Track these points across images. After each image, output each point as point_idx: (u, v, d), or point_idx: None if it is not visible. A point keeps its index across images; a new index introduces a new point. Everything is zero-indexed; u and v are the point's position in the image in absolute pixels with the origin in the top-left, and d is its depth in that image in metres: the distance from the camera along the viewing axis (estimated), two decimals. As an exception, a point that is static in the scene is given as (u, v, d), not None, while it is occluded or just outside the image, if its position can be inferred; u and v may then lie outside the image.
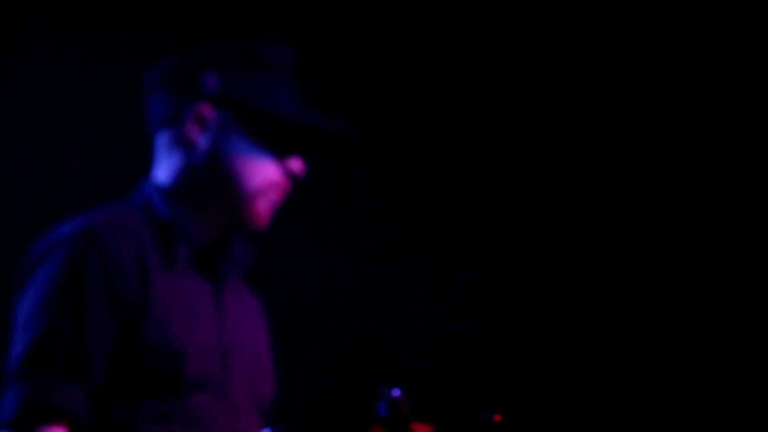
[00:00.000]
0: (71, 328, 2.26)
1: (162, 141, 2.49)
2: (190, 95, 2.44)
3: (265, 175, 2.43)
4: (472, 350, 4.30)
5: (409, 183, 4.34)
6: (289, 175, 2.45)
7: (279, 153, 2.44)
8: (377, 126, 4.29)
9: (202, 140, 2.42)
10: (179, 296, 2.36)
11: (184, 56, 2.47)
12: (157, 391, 2.30)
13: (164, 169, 2.47)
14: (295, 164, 2.45)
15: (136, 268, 2.32)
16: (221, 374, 2.36)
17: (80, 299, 2.27)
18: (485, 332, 4.29)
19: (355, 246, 4.35)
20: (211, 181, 2.43)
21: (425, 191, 4.36)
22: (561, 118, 4.37)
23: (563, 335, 4.35)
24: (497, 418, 2.00)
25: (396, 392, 1.99)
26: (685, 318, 4.24)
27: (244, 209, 2.43)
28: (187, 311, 2.36)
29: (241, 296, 2.50)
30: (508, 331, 4.32)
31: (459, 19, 4.32)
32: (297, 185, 2.52)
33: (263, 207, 2.44)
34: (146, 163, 2.59)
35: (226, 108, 2.43)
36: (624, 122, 4.32)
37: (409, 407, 2.02)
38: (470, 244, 4.36)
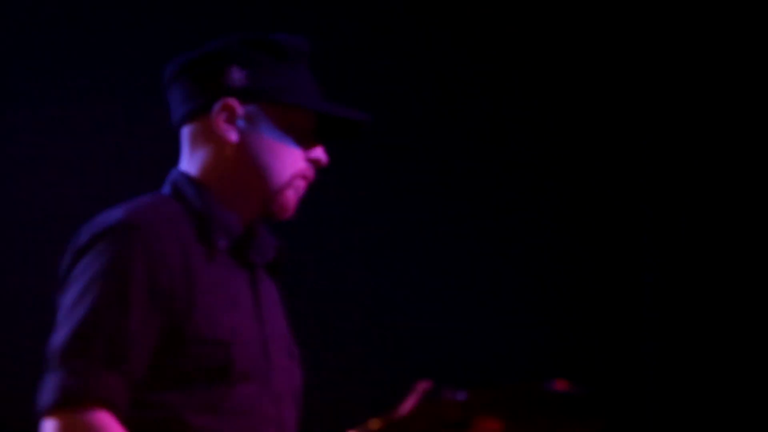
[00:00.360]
0: (113, 317, 2.26)
1: (189, 134, 2.52)
2: (216, 90, 2.47)
3: (293, 165, 2.47)
4: (528, 341, 4.29)
5: (454, 173, 4.39)
6: (315, 163, 2.49)
7: (304, 143, 2.48)
8: (433, 118, 4.35)
9: (230, 134, 2.46)
10: (221, 286, 2.38)
11: (206, 50, 2.50)
12: (206, 381, 2.31)
13: (193, 162, 2.50)
14: (320, 153, 2.50)
15: (180, 259, 2.34)
16: (263, 363, 2.39)
17: (124, 289, 2.28)
18: (539, 322, 4.33)
19: (405, 234, 4.35)
20: (241, 174, 2.46)
21: (478, 182, 4.40)
22: (618, 110, 4.41)
23: (620, 326, 4.34)
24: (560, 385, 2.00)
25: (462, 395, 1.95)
26: (739, 306, 4.27)
27: (274, 200, 2.47)
28: (230, 301, 2.38)
29: (269, 285, 2.54)
30: (564, 324, 4.34)
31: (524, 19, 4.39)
32: (325, 174, 2.57)
33: (291, 197, 2.48)
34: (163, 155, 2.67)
35: (253, 101, 2.46)
36: (678, 115, 4.36)
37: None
38: (528, 233, 4.39)
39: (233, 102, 2.45)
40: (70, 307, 2.28)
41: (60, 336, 2.27)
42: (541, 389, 2.01)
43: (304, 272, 4.09)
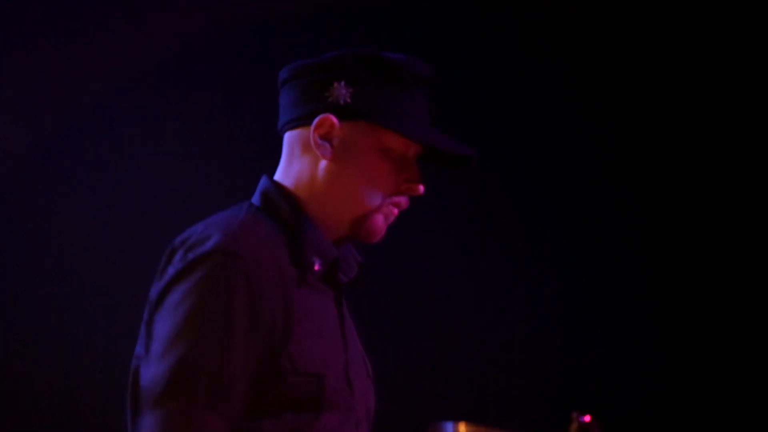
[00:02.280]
0: (216, 356, 2.17)
1: (289, 142, 2.45)
2: (320, 102, 2.40)
3: (385, 190, 2.39)
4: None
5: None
6: (409, 192, 2.41)
7: (401, 169, 2.40)
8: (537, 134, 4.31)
9: (324, 151, 2.38)
10: (313, 311, 2.31)
11: (319, 60, 2.43)
12: (296, 411, 2.24)
13: (289, 172, 2.43)
14: (416, 183, 2.41)
15: (279, 287, 2.25)
16: (347, 390, 2.32)
17: (226, 326, 2.19)
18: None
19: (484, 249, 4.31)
20: (331, 192, 2.39)
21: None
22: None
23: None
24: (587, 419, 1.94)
25: (587, 418, 1.89)
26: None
27: (361, 224, 2.39)
28: (320, 327, 2.31)
29: (344, 303, 2.46)
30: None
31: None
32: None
33: (379, 222, 2.40)
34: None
35: (353, 120, 2.38)
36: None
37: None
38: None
39: (332, 118, 2.37)
40: (169, 342, 2.19)
41: (158, 373, 2.18)
42: None
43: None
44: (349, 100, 2.37)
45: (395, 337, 4.14)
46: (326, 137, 2.37)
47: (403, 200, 2.41)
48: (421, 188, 2.40)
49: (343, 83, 2.37)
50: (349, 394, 2.32)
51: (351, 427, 2.32)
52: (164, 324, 2.21)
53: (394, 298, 4.20)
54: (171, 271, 2.25)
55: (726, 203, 4.35)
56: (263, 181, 2.43)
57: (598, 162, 4.40)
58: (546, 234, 4.37)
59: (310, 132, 2.38)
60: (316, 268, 2.32)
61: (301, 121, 2.40)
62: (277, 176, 2.44)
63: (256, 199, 2.42)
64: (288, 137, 2.44)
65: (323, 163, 2.38)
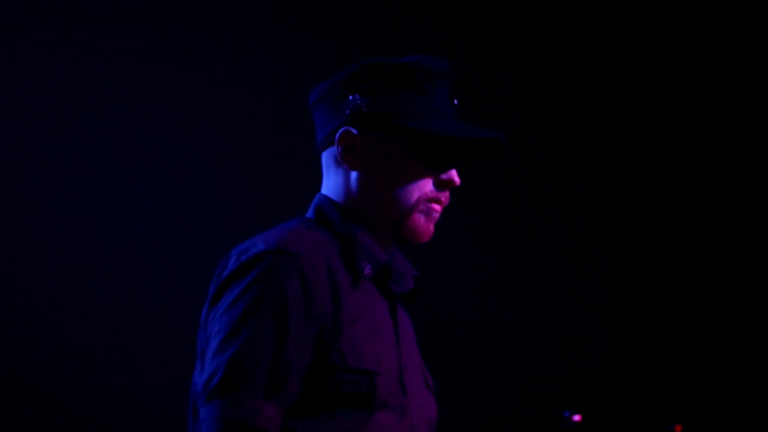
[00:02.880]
0: (272, 347, 2.23)
1: (324, 160, 2.53)
2: (340, 118, 2.47)
3: (418, 190, 2.44)
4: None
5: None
6: (445, 186, 2.46)
7: (431, 166, 2.46)
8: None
9: (351, 163, 2.45)
10: (366, 314, 2.36)
11: (337, 78, 2.50)
12: (348, 409, 2.28)
13: (329, 188, 2.50)
14: (450, 175, 2.47)
15: (329, 286, 2.31)
16: (400, 393, 2.36)
17: (281, 318, 2.25)
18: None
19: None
20: (367, 201, 2.46)
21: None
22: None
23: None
24: (678, 429, 1.96)
25: (576, 417, 1.93)
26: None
27: (403, 226, 2.44)
28: (373, 330, 2.36)
29: (403, 315, 2.51)
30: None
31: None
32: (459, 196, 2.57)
33: (420, 221, 2.45)
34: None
35: (372, 129, 2.45)
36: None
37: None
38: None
39: (351, 130, 2.43)
40: (226, 337, 2.25)
41: (217, 365, 2.23)
42: None
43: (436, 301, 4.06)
44: (364, 110, 2.44)
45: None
46: (350, 149, 2.44)
47: (441, 196, 2.45)
48: (456, 180, 2.45)
49: (357, 95, 2.44)
50: (404, 398, 2.36)
51: (405, 431, 2.36)
52: (220, 322, 2.28)
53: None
54: (225, 273, 2.32)
55: (720, 204, 4.38)
56: (317, 197, 2.51)
57: (589, 161, 4.42)
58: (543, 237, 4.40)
59: (337, 147, 2.45)
60: (367, 271, 2.38)
61: (329, 138, 2.48)
62: (325, 191, 2.51)
63: (310, 213, 2.49)
64: (323, 156, 2.52)
65: (354, 174, 2.45)
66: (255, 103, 4.23)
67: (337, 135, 2.45)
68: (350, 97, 2.45)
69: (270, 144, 4.24)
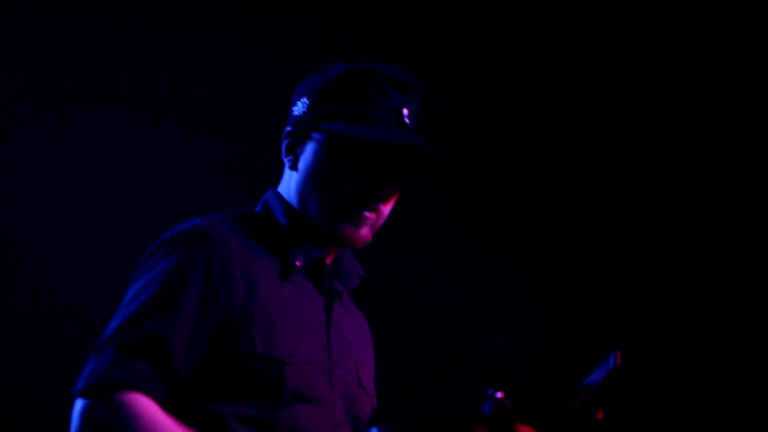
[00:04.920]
0: (160, 315, 2.28)
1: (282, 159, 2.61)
2: (289, 120, 2.55)
3: (346, 196, 2.46)
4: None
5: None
6: (374, 193, 2.46)
7: (361, 173, 2.47)
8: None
9: (291, 162, 2.52)
10: (290, 306, 2.38)
11: (302, 82, 2.58)
12: (258, 396, 2.32)
13: (281, 185, 2.58)
14: (378, 184, 2.47)
15: (245, 273, 2.35)
16: (325, 388, 2.39)
17: (178, 291, 2.30)
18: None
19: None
20: (300, 200, 2.50)
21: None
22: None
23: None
24: (600, 415, 1.99)
25: (499, 394, 1.97)
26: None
27: (333, 230, 2.47)
28: (296, 322, 2.38)
29: (350, 313, 2.54)
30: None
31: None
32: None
33: (347, 226, 2.47)
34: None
35: (307, 131, 2.50)
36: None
37: (513, 407, 2.00)
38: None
39: (292, 131, 2.50)
40: (127, 302, 2.32)
41: (108, 325, 2.31)
42: (582, 418, 2.01)
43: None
44: (305, 110, 2.48)
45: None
46: (289, 150, 2.52)
47: (371, 203, 2.46)
48: (383, 189, 2.44)
49: (304, 98, 2.50)
50: (329, 392, 2.39)
51: (328, 426, 2.38)
52: (130, 289, 2.35)
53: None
54: (151, 246, 2.40)
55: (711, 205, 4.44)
56: (267, 193, 2.58)
57: (573, 162, 4.52)
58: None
59: (281, 147, 2.55)
60: (298, 263, 2.42)
61: (282, 140, 2.57)
62: (279, 189, 2.60)
63: (258, 207, 2.57)
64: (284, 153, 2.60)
65: (292, 174, 2.52)
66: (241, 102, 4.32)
67: (282, 135, 2.54)
68: (300, 100, 2.51)
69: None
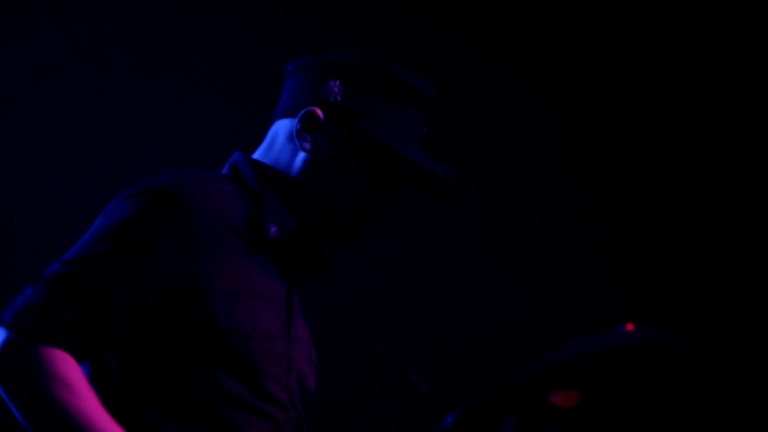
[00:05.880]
0: (103, 264, 2.19)
1: (276, 128, 2.50)
2: (311, 96, 2.45)
3: (354, 195, 2.43)
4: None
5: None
6: (381, 202, 2.44)
7: (377, 180, 2.43)
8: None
9: (305, 142, 2.43)
10: (254, 278, 2.32)
11: (325, 58, 2.48)
12: (222, 369, 2.25)
13: (269, 155, 2.48)
14: (389, 194, 2.45)
15: (211, 241, 2.27)
16: (284, 362, 2.34)
17: (127, 247, 2.20)
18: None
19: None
20: (304, 186, 2.43)
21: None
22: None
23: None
24: (629, 326, 1.89)
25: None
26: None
27: (328, 223, 2.43)
28: (258, 293, 2.32)
29: (301, 288, 2.49)
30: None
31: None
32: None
33: (345, 225, 2.44)
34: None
35: (338, 120, 2.43)
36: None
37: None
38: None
39: (318, 112, 2.42)
40: (80, 242, 2.24)
41: (53, 263, 2.22)
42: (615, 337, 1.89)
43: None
44: (339, 99, 2.41)
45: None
46: (309, 130, 2.42)
47: (371, 209, 2.43)
48: (393, 201, 2.43)
49: (338, 83, 2.42)
50: (286, 367, 2.34)
51: (285, 400, 2.33)
52: (89, 229, 2.26)
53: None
54: (121, 192, 2.30)
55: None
56: (235, 155, 2.48)
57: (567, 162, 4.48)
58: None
59: (298, 123, 2.43)
60: (272, 232, 2.36)
61: (292, 110, 2.46)
62: (256, 154, 2.49)
63: (225, 169, 2.47)
64: (276, 124, 2.49)
65: (302, 155, 2.43)
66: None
67: (303, 111, 2.43)
68: (330, 82, 2.42)
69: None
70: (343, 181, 2.41)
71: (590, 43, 4.46)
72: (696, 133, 4.43)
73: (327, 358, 2.64)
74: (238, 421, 2.25)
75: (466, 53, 4.43)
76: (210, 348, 2.23)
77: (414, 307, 4.31)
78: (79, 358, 2.15)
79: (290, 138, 2.45)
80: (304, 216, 2.41)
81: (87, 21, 4.17)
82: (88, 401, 2.11)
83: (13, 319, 2.15)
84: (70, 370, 2.12)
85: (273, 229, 2.37)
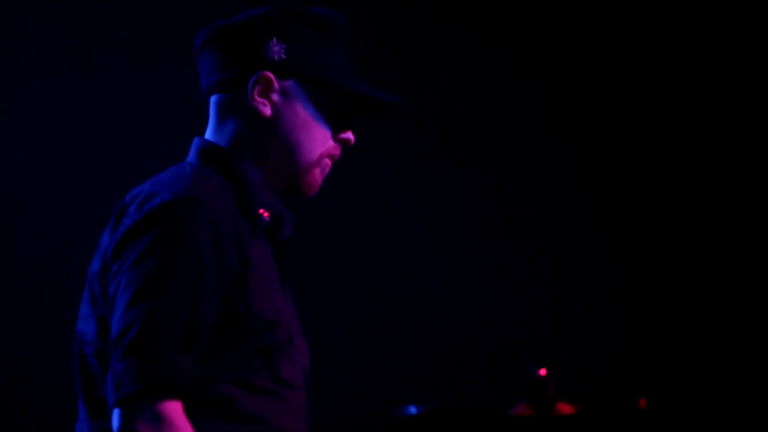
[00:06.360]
0: (189, 301, 2.17)
1: (219, 104, 2.43)
2: (253, 61, 2.38)
3: (323, 143, 2.41)
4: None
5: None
6: (343, 143, 2.43)
7: (335, 122, 2.42)
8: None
9: (264, 108, 2.37)
10: (262, 264, 2.30)
11: (244, 18, 2.42)
12: (252, 360, 2.25)
13: (222, 133, 2.42)
14: (350, 134, 2.44)
15: (235, 236, 2.26)
16: (290, 344, 2.33)
17: (196, 271, 2.18)
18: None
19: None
20: (271, 149, 2.39)
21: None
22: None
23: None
24: (642, 403, 1.96)
25: (542, 372, 1.91)
26: None
27: (301, 178, 2.40)
28: (269, 280, 2.32)
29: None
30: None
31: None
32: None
33: (317, 175, 2.42)
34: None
35: (290, 77, 2.38)
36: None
37: (554, 388, 1.93)
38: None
39: (270, 75, 2.36)
40: (139, 290, 2.17)
41: (133, 320, 2.16)
42: (624, 404, 1.98)
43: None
44: (283, 56, 2.38)
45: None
46: (264, 95, 2.36)
47: (337, 151, 2.42)
48: (352, 139, 2.43)
49: (274, 40, 2.38)
50: (292, 348, 2.33)
51: (299, 379, 2.33)
52: (130, 273, 2.19)
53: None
54: (127, 223, 2.23)
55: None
56: (198, 142, 2.42)
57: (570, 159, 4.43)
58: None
59: (247, 91, 2.37)
60: (266, 218, 2.33)
61: (234, 82, 2.39)
62: (212, 138, 2.42)
63: (192, 159, 2.40)
64: (217, 99, 2.42)
65: (262, 122, 2.38)
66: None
67: (253, 78, 2.36)
68: (268, 42, 2.37)
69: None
70: (309, 133, 2.40)
71: (590, 43, 4.41)
72: (695, 134, 4.40)
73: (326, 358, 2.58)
74: (267, 411, 2.26)
75: (466, 50, 4.38)
76: (242, 340, 2.23)
77: (414, 306, 4.27)
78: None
79: (240, 109, 2.39)
80: (277, 183, 2.39)
81: (85, 19, 4.13)
82: None
83: (137, 392, 2.12)
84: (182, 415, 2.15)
85: (265, 216, 2.35)
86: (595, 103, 4.41)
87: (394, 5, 4.34)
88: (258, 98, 2.36)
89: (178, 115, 3.94)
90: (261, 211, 2.34)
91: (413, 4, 4.35)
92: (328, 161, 2.42)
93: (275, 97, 2.37)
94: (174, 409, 2.13)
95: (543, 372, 1.94)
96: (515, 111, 4.40)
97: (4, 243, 4.08)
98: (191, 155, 2.40)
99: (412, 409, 1.91)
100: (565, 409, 1.95)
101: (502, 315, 4.28)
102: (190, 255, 2.18)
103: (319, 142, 2.39)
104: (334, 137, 2.41)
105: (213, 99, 2.43)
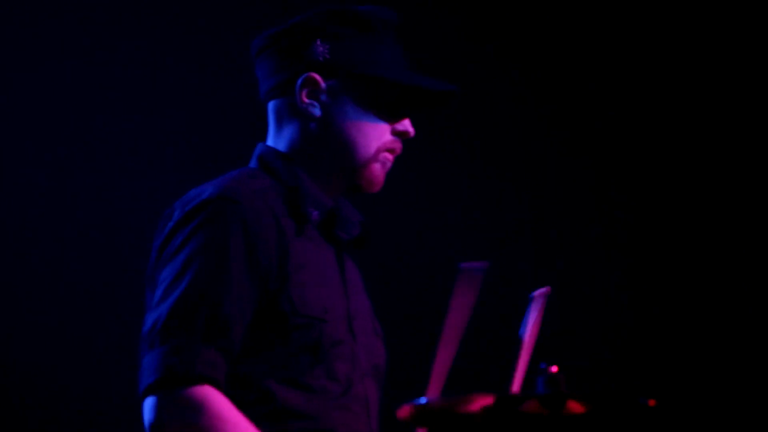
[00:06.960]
0: (213, 293, 2.22)
1: (275, 110, 2.50)
2: (300, 65, 2.45)
3: (378, 138, 2.45)
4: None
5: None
6: (401, 136, 2.47)
7: (389, 116, 2.46)
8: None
9: (314, 110, 2.43)
10: (312, 261, 2.35)
11: (291, 24, 2.47)
12: (298, 357, 2.29)
13: (281, 138, 2.48)
14: (407, 126, 2.47)
15: (275, 233, 2.31)
16: (349, 340, 2.36)
17: (223, 264, 2.24)
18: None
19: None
20: (327, 149, 2.44)
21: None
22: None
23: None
24: (652, 402, 1.96)
25: (554, 368, 1.90)
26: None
27: (361, 174, 2.45)
28: (320, 277, 2.36)
29: (350, 262, 2.52)
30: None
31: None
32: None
33: (378, 170, 2.46)
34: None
35: (336, 76, 2.44)
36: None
37: (566, 384, 1.93)
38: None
39: (316, 77, 2.42)
40: (169, 284, 2.24)
41: (160, 313, 2.23)
42: (634, 403, 1.99)
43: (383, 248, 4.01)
44: (328, 56, 2.42)
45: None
46: (312, 96, 2.43)
47: (396, 145, 2.46)
48: (411, 130, 2.47)
49: (318, 41, 2.42)
50: (354, 345, 2.36)
51: (358, 379, 2.36)
52: (165, 270, 2.27)
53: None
54: (170, 224, 2.31)
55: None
56: (259, 147, 2.49)
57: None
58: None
59: (295, 95, 2.43)
60: (314, 217, 2.39)
61: (284, 86, 2.46)
62: (272, 143, 2.49)
63: (252, 163, 2.48)
64: (273, 105, 2.49)
65: (313, 123, 2.43)
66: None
67: (300, 81, 2.42)
68: (312, 44, 2.41)
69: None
70: (361, 129, 2.43)
71: (590, 43, 4.42)
72: (696, 134, 4.39)
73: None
74: (318, 407, 2.29)
75: (470, 51, 4.40)
76: (286, 337, 2.27)
77: (423, 305, 4.26)
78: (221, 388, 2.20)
79: (293, 113, 2.46)
80: (338, 182, 2.44)
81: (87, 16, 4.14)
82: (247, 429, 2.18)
83: (159, 382, 2.17)
84: (223, 403, 2.18)
85: (314, 214, 2.39)
86: (595, 103, 4.41)
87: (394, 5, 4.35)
88: (306, 100, 2.43)
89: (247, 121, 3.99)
90: (309, 209, 2.38)
91: (414, 5, 4.35)
92: (388, 155, 2.45)
93: (323, 97, 2.43)
94: (200, 396, 2.16)
95: (554, 369, 1.93)
96: (515, 111, 4.41)
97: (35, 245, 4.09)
98: (252, 160, 2.49)
99: (422, 399, 1.90)
100: (576, 407, 1.94)
101: (514, 312, 4.26)
102: (218, 251, 2.24)
103: (373, 138, 2.43)
104: (391, 131, 2.45)
105: (270, 105, 2.50)
